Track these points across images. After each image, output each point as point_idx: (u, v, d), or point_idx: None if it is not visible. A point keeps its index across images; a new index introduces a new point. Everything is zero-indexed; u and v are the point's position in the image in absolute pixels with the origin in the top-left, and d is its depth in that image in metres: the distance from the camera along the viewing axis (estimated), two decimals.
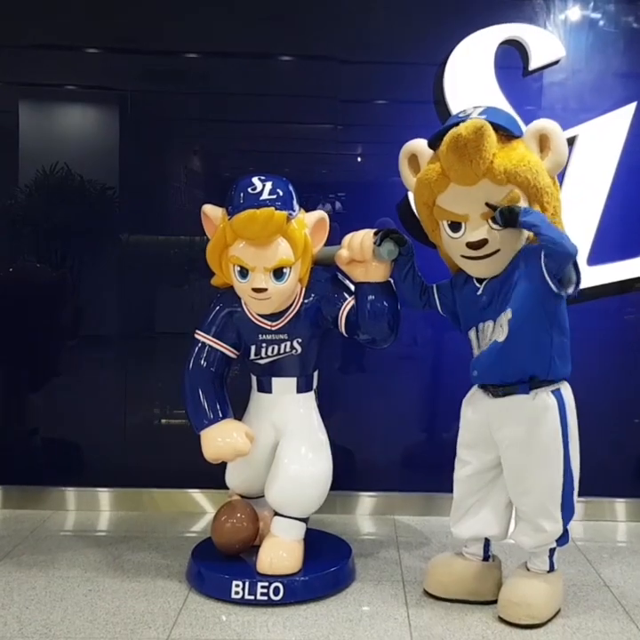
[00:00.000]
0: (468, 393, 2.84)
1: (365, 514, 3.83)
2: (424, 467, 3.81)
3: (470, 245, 2.58)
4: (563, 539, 2.74)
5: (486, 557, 2.90)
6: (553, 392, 2.63)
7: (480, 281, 2.67)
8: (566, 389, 2.68)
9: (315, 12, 3.63)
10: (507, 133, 2.54)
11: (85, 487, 3.83)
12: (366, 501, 3.84)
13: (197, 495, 3.81)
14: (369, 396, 3.83)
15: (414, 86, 3.66)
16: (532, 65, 3.57)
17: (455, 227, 2.60)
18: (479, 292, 2.67)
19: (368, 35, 3.65)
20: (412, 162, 2.77)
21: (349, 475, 3.70)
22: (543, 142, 2.59)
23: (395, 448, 3.87)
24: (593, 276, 3.59)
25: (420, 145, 2.73)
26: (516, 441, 2.66)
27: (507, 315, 2.56)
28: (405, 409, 3.87)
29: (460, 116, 2.61)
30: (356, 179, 3.91)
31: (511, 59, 3.57)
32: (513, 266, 2.59)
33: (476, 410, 2.78)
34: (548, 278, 2.49)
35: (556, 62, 3.59)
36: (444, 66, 3.56)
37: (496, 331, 2.60)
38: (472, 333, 2.72)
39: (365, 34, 3.65)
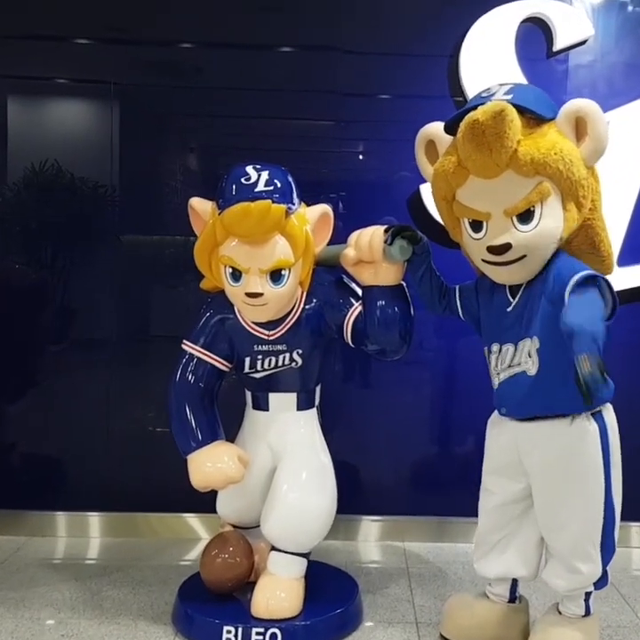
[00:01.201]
0: (494, 413, 2.50)
1: (372, 540, 3.52)
2: (436, 487, 3.55)
3: (491, 250, 2.22)
4: (601, 582, 2.39)
5: (513, 599, 2.56)
6: (593, 415, 2.28)
7: (514, 293, 2.32)
8: (609, 412, 2.32)
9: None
10: (535, 117, 2.17)
11: (67, 511, 3.53)
12: (373, 526, 3.54)
13: (191, 519, 3.51)
14: (374, 409, 3.54)
15: (425, 76, 3.41)
16: (558, 45, 3.27)
17: (476, 226, 2.25)
18: (509, 309, 2.33)
19: (372, 21, 3.39)
20: (430, 149, 2.40)
21: (354, 497, 3.39)
22: (580, 126, 2.19)
23: (404, 466, 3.57)
24: (623, 278, 3.27)
25: (437, 130, 2.37)
26: (550, 469, 2.32)
27: (534, 343, 2.24)
28: (415, 423, 3.57)
29: (483, 95, 2.25)
30: (359, 176, 3.67)
31: (534, 38, 3.29)
32: (543, 278, 2.24)
33: (503, 431, 2.43)
34: None
35: (584, 42, 3.30)
36: (459, 49, 3.28)
37: (518, 357, 2.28)
38: (489, 352, 2.40)
39: (369, 21, 3.39)
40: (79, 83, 3.56)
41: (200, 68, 3.55)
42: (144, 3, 3.45)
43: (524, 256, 2.21)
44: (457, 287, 2.51)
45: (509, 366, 2.31)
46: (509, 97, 2.15)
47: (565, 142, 2.17)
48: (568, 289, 2.10)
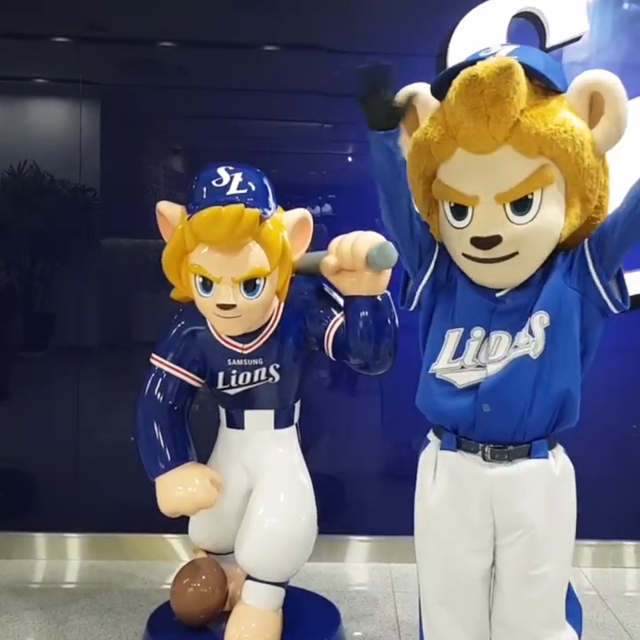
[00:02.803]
0: (428, 453, 2.06)
1: (357, 561, 3.39)
2: None
3: (477, 242, 1.84)
4: None
5: None
6: (564, 452, 1.98)
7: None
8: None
9: None
10: (545, 84, 1.80)
11: (41, 531, 3.40)
12: (358, 547, 3.42)
13: (164, 540, 3.37)
14: (358, 422, 3.45)
15: (413, 73, 3.24)
16: (551, 41, 3.17)
17: (459, 211, 1.87)
18: (500, 294, 1.92)
19: (359, 20, 3.29)
20: (409, 116, 1.95)
21: (338, 516, 3.30)
22: (596, 104, 1.81)
23: (389, 484, 3.43)
24: (629, 283, 3.14)
25: (420, 92, 1.95)
26: (537, 517, 1.92)
27: (542, 320, 1.87)
28: (401, 437, 3.44)
29: (482, 54, 1.81)
30: (347, 179, 3.61)
31: (526, 34, 3.17)
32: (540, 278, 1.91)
33: (468, 478, 1.95)
34: (601, 290, 1.86)
35: (578, 39, 3.20)
36: (448, 43, 3.18)
37: (518, 343, 1.88)
38: (458, 337, 1.95)
39: (356, 19, 3.30)
40: (58, 83, 3.52)
41: (183, 68, 3.49)
42: (126, 2, 3.36)
43: (516, 253, 1.85)
44: (438, 244, 2.01)
45: (496, 358, 1.89)
46: (515, 57, 1.76)
47: (576, 120, 1.81)
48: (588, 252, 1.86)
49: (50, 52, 3.44)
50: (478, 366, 1.91)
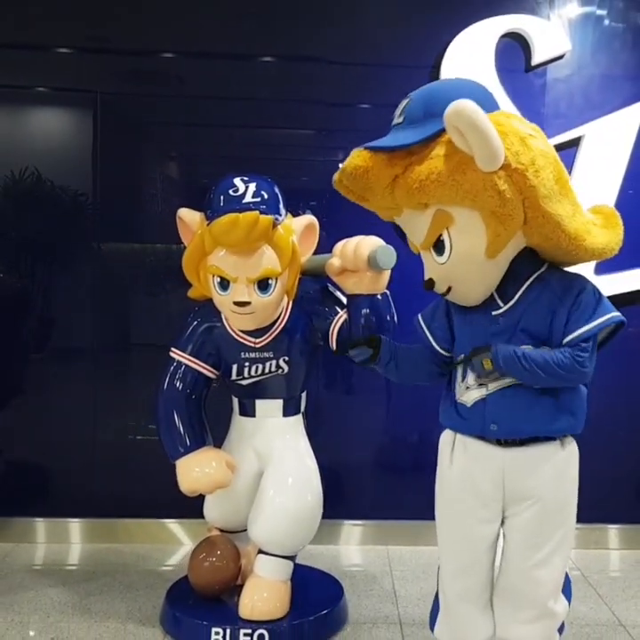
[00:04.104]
0: (446, 436, 2.19)
1: (356, 544, 3.57)
2: (418, 492, 3.47)
3: (425, 285, 2.08)
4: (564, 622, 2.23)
5: None
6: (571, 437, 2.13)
7: (504, 296, 2.05)
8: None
9: (299, 10, 3.43)
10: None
11: (52, 517, 3.55)
12: (357, 531, 3.60)
13: (174, 525, 3.55)
14: (357, 413, 3.58)
15: (406, 87, 3.36)
16: (535, 60, 3.36)
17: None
18: (498, 312, 2.05)
19: (355, 33, 3.42)
20: None
21: (338, 502, 3.40)
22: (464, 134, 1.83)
23: (386, 471, 3.62)
24: (600, 286, 3.33)
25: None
26: (542, 497, 2.08)
27: (529, 335, 2.02)
28: (398, 427, 3.62)
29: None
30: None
31: (513, 53, 3.36)
32: (545, 284, 2.04)
33: (484, 456, 2.10)
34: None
35: (561, 57, 3.39)
36: (440, 62, 3.34)
37: None
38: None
39: (352, 32, 3.42)
40: (59, 91, 3.57)
41: (182, 78, 3.55)
42: (126, 12, 3.44)
43: (450, 287, 2.04)
44: (419, 318, 2.25)
45: (503, 375, 2.02)
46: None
47: (446, 159, 1.89)
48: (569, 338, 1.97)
49: (52, 63, 3.49)
50: (480, 385, 2.06)
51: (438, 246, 1.99)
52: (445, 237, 1.97)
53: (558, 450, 2.07)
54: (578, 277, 2.06)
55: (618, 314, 2.01)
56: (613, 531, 3.63)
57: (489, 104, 1.93)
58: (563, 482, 2.09)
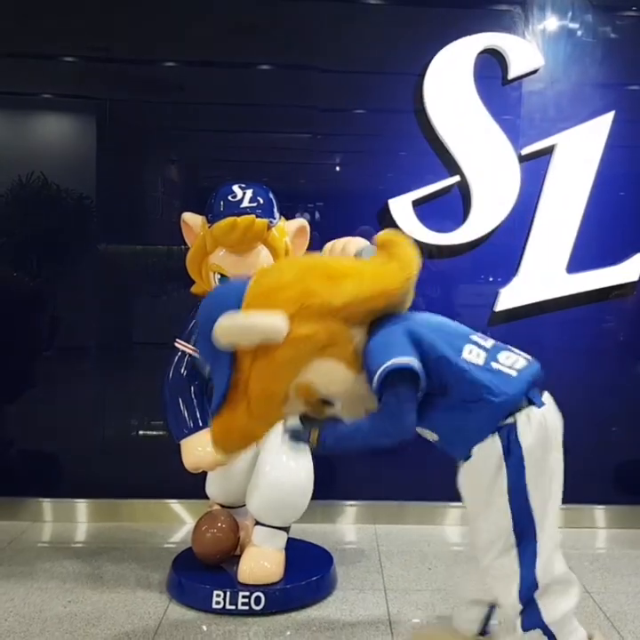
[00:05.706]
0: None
1: (347, 523, 3.82)
2: (405, 475, 3.75)
3: None
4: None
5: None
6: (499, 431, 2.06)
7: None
8: (526, 418, 2.07)
9: (293, 21, 3.61)
10: None
11: (63, 498, 3.79)
12: (347, 510, 3.83)
13: (176, 506, 3.78)
14: None
15: (394, 95, 3.64)
16: (511, 74, 3.58)
17: None
18: None
19: (347, 44, 3.61)
20: None
21: (330, 484, 3.65)
22: None
23: (376, 455, 3.70)
24: (571, 284, 3.62)
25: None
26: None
27: None
28: None
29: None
30: (335, 187, 3.90)
31: (490, 68, 3.59)
32: None
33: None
34: None
35: (535, 71, 3.61)
36: (424, 75, 3.55)
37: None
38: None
39: (344, 43, 3.61)
40: (65, 99, 3.73)
41: (182, 85, 3.69)
42: (128, 22, 3.58)
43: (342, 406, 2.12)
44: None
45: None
46: None
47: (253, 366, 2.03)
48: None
49: (58, 71, 3.64)
50: None
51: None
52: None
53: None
54: None
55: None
56: (599, 511, 3.83)
57: (236, 300, 2.01)
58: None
